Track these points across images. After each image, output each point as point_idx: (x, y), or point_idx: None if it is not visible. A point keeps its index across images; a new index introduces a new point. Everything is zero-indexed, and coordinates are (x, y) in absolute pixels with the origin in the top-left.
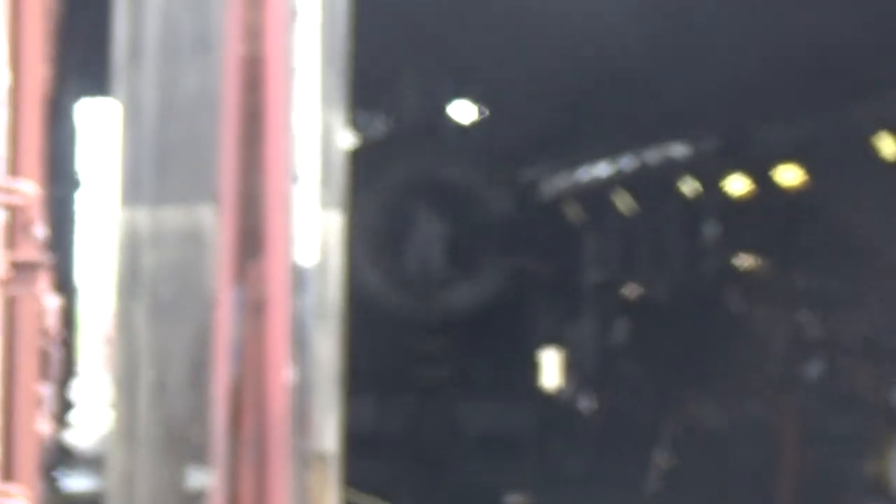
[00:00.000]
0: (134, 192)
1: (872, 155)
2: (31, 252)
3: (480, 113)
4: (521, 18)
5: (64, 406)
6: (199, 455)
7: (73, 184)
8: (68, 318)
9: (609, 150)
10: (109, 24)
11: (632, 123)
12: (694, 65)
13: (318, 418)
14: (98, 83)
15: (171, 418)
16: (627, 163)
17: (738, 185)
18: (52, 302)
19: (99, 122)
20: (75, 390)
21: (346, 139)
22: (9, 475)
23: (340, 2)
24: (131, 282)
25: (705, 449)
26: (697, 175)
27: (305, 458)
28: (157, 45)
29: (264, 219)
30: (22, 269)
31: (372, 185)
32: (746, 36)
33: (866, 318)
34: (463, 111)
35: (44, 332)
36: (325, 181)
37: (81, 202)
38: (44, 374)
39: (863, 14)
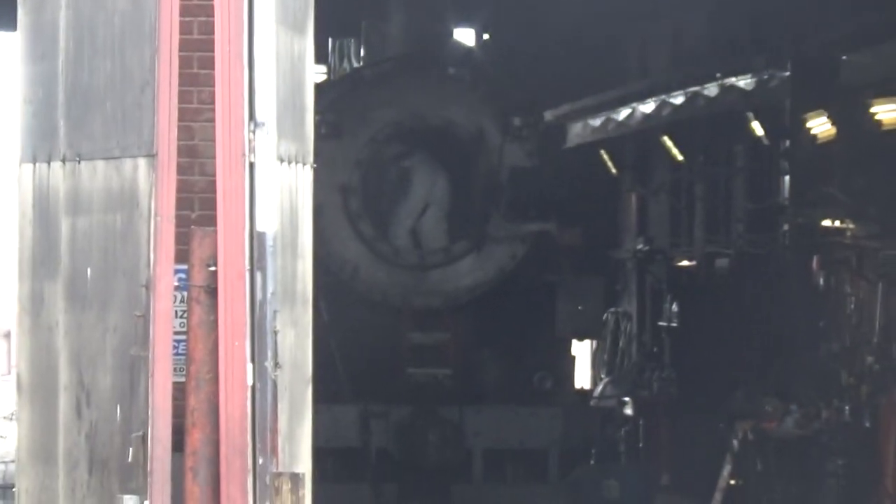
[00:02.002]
0: (45, 144)
1: None
2: None
3: (488, 42)
4: None
5: None
6: (133, 478)
7: None
8: None
9: (653, 87)
10: None
11: (681, 52)
12: None
13: (286, 430)
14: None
15: (97, 432)
16: (678, 101)
17: (818, 125)
18: None
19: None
20: None
21: (318, 73)
22: None
23: None
24: (44, 257)
25: (782, 460)
26: (766, 114)
27: (270, 481)
28: None
29: (214, 177)
30: None
31: (352, 131)
32: None
33: None
34: (467, 40)
35: None
36: (292, 127)
37: None
38: None
39: None
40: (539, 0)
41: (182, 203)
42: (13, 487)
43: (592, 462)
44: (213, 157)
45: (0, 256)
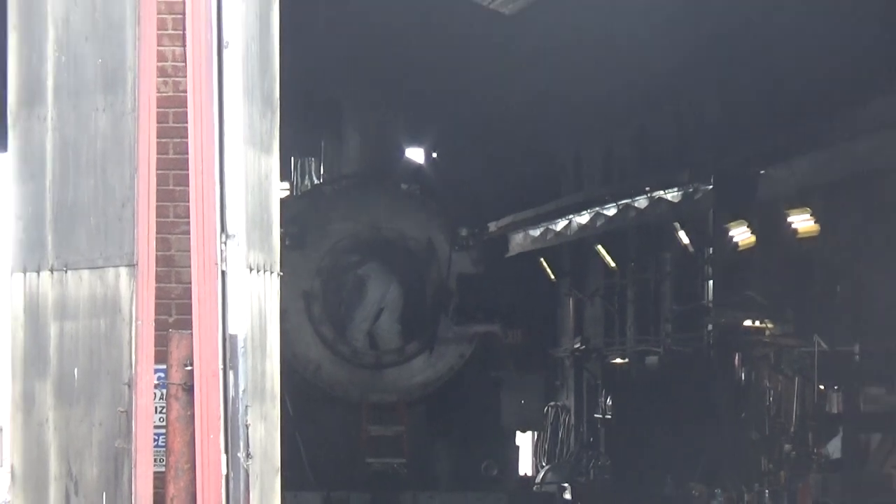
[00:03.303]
0: (34, 255)
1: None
2: None
3: (437, 160)
4: (479, 60)
5: None
6: None
7: None
8: None
9: (590, 199)
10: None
11: (613, 169)
12: (681, 101)
13: None
14: None
15: None
16: (611, 213)
17: (739, 234)
18: None
19: None
20: None
21: (282, 189)
22: None
23: (272, 32)
24: (34, 358)
25: None
26: (692, 224)
27: None
28: (57, 85)
29: (189, 284)
30: None
31: (313, 242)
32: (738, 66)
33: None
34: (417, 158)
35: None
36: (260, 239)
37: None
38: None
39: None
40: (481, 122)
41: (160, 308)
42: None
43: None
44: (189, 266)
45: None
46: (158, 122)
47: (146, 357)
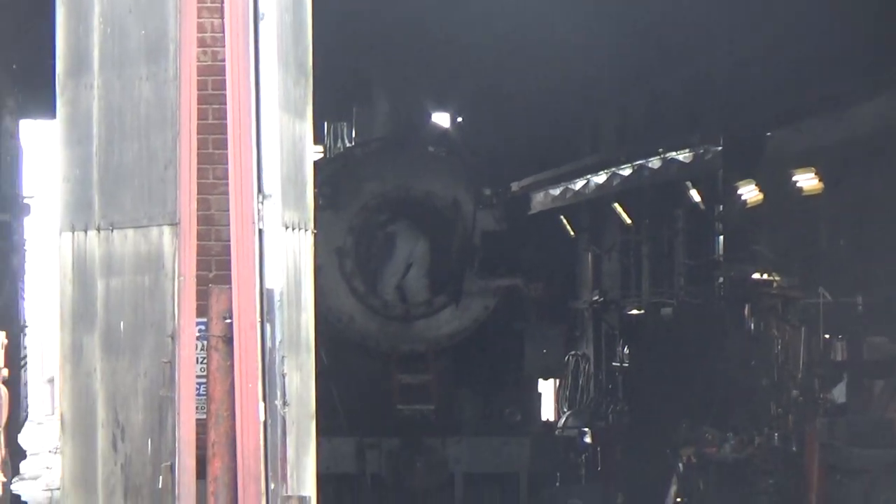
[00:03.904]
0: (82, 215)
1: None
2: None
3: (461, 124)
4: (501, 26)
5: (13, 453)
6: (163, 503)
7: (19, 209)
8: (16, 354)
9: (606, 160)
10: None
11: (628, 131)
12: (692, 66)
13: (294, 459)
14: (45, 100)
15: (131, 463)
16: (626, 173)
17: (747, 192)
18: None
19: (48, 143)
20: (25, 435)
21: (316, 152)
22: None
23: (305, 4)
24: (82, 312)
25: (720, 481)
26: (703, 183)
27: (281, 503)
28: (103, 54)
29: (228, 242)
30: None
31: (345, 202)
32: (747, 31)
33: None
34: (443, 122)
35: None
36: (294, 198)
37: (29, 229)
38: None
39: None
40: (505, 88)
41: (201, 264)
42: None
43: (557, 484)
44: (228, 225)
45: (44, 313)
46: (198, 90)
47: (188, 311)
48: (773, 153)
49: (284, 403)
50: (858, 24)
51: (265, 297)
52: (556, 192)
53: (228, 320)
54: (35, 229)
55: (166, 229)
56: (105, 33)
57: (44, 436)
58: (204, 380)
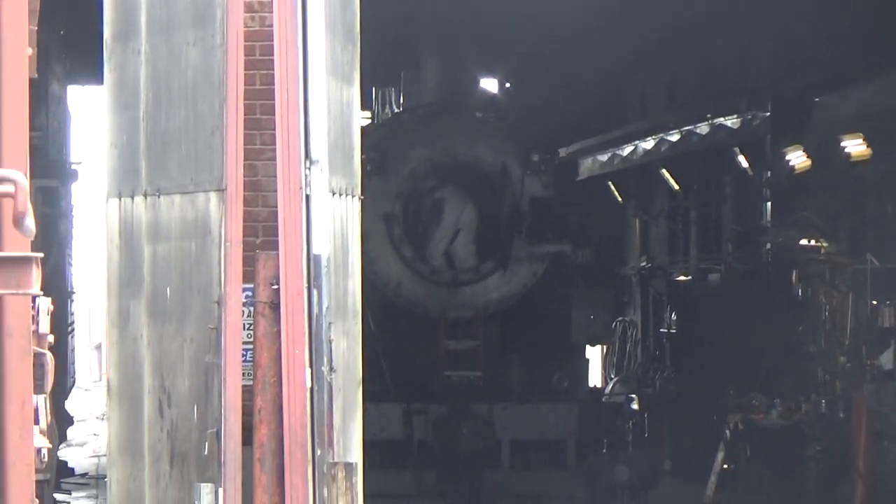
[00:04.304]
0: (129, 181)
1: None
2: (19, 246)
3: (509, 90)
4: None
5: (60, 419)
6: (209, 469)
7: (67, 175)
8: (63, 321)
9: (654, 126)
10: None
11: (676, 97)
12: (741, 31)
13: (340, 425)
14: (93, 66)
15: (177, 429)
16: (674, 139)
17: (795, 158)
18: (44, 303)
19: (95, 109)
20: (72, 401)
21: (364, 118)
22: (2, 496)
23: None
24: (129, 278)
25: (767, 448)
26: (750, 149)
27: (327, 470)
28: (150, 20)
29: (275, 208)
30: (9, 266)
31: (393, 168)
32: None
33: None
34: (491, 88)
35: (35, 337)
36: (342, 164)
37: (77, 195)
38: (36, 383)
39: None
40: (553, 54)
41: (248, 230)
42: (105, 478)
43: (604, 450)
44: (275, 191)
45: (91, 279)
46: (246, 55)
47: (235, 277)
48: (821, 119)
49: (331, 370)
50: None
51: (312, 263)
52: (604, 157)
53: (275, 286)
54: (83, 195)
55: (213, 195)
56: None
57: (91, 402)
58: (250, 346)
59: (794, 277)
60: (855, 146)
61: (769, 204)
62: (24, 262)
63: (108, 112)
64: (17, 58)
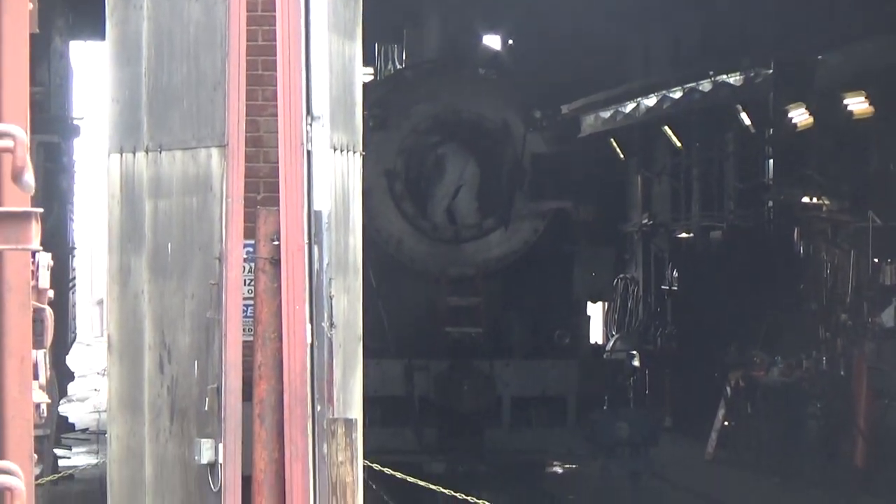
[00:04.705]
0: (130, 137)
1: None
2: (19, 202)
3: (512, 46)
4: None
5: (60, 375)
6: (209, 424)
7: (69, 131)
8: (64, 276)
9: (657, 83)
10: None
11: (679, 55)
12: None
13: (340, 381)
14: (95, 21)
15: (178, 385)
16: (676, 96)
17: (798, 116)
18: (44, 258)
19: (97, 65)
20: (72, 357)
21: (366, 74)
22: (1, 451)
23: None
24: (130, 234)
25: (768, 404)
26: (753, 106)
27: (327, 425)
28: None
29: (276, 164)
30: (8, 221)
31: (396, 124)
32: None
33: None
34: (494, 45)
35: (35, 292)
36: (343, 120)
37: (79, 151)
38: (36, 338)
39: None
40: (556, 11)
41: (249, 186)
42: (105, 433)
43: (605, 407)
44: (276, 147)
45: (93, 235)
46: (248, 11)
47: (236, 232)
48: (823, 77)
49: (331, 325)
50: None
51: (313, 218)
52: (607, 114)
53: (276, 242)
54: (85, 151)
55: (214, 151)
56: None
57: (92, 358)
58: (251, 302)
59: (795, 235)
60: (857, 104)
61: (771, 161)
62: (24, 217)
63: (110, 67)
64: (18, 12)
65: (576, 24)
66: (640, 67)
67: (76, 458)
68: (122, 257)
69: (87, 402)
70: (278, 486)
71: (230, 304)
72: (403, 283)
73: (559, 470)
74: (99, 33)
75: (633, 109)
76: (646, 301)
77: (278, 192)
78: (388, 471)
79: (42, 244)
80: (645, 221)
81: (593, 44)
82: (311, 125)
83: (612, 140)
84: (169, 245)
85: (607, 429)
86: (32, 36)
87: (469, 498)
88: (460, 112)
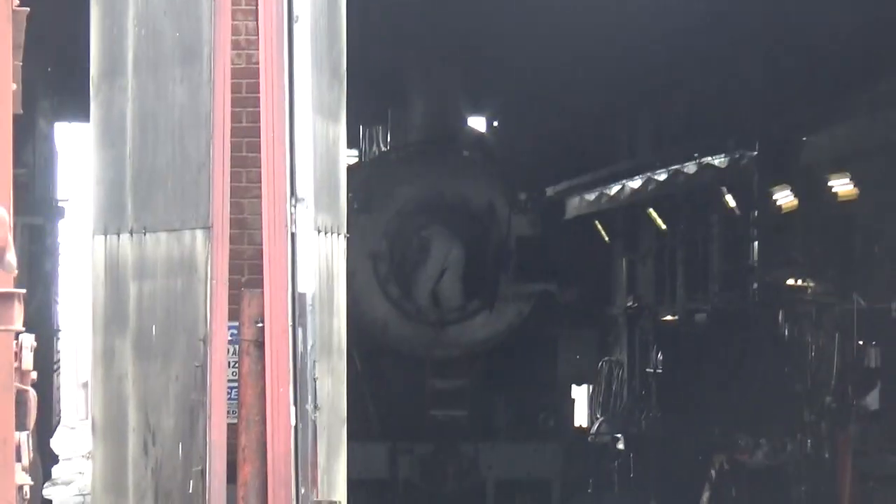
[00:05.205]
0: (115, 218)
1: None
2: (2, 283)
3: (497, 128)
4: (539, 30)
5: (45, 458)
6: None
7: (53, 212)
8: (48, 358)
9: (641, 165)
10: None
11: (664, 136)
12: (726, 72)
13: (325, 464)
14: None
15: (163, 468)
16: (661, 178)
17: (782, 198)
18: (27, 339)
19: (82, 146)
20: (57, 440)
21: (351, 156)
22: None
23: (340, 7)
24: (114, 316)
25: (753, 488)
26: (738, 188)
27: None
28: (137, 57)
29: (261, 245)
30: None
31: (380, 206)
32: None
33: None
34: (479, 127)
35: (18, 373)
36: (327, 202)
37: (64, 232)
38: (19, 419)
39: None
40: (540, 93)
41: (233, 268)
42: None
43: (590, 490)
44: (260, 229)
45: (78, 317)
46: (232, 93)
47: (220, 314)
48: (808, 158)
49: (316, 408)
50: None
51: (297, 301)
52: (592, 197)
53: (260, 324)
54: (69, 233)
55: (199, 233)
56: (139, 35)
57: (77, 440)
58: (235, 384)
59: (780, 317)
60: (842, 185)
61: (756, 243)
62: (6, 297)
63: (94, 149)
64: (2, 93)
65: (561, 107)
66: (625, 149)
67: None
68: (107, 339)
69: (71, 486)
70: None
71: (214, 387)
72: (388, 366)
73: None
74: (84, 115)
75: (618, 192)
76: (630, 384)
77: (262, 273)
78: None
79: (26, 325)
80: (630, 304)
81: (578, 126)
82: (295, 207)
83: (596, 222)
84: (153, 327)
85: None
86: (16, 117)
87: None
88: (445, 194)
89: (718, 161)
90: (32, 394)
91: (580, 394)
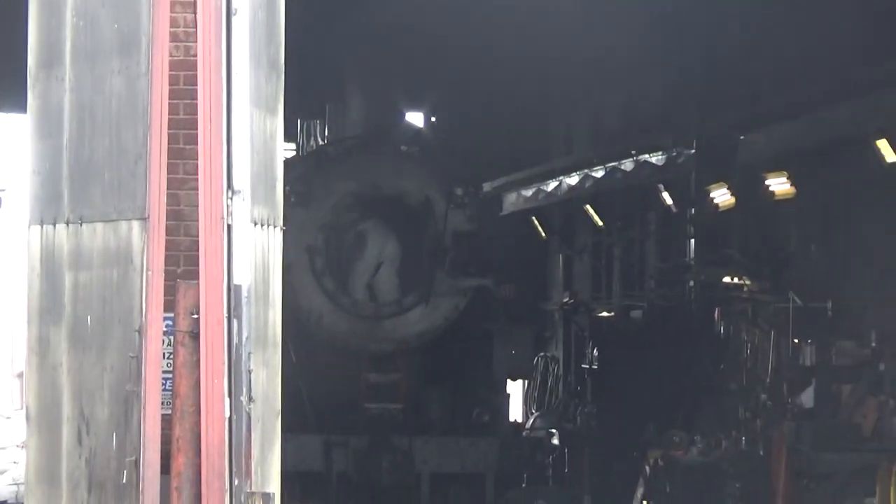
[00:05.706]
0: (51, 209)
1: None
2: None
3: (435, 123)
4: (476, 26)
5: None
6: (127, 497)
7: None
8: None
9: (579, 162)
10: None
11: (601, 133)
12: (667, 68)
13: (259, 456)
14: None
15: (96, 458)
16: (598, 175)
17: (719, 196)
18: None
19: (17, 137)
20: None
21: (288, 149)
22: None
23: (278, 2)
24: (50, 305)
25: (687, 484)
26: (675, 186)
27: (244, 499)
28: (75, 48)
29: (197, 237)
30: None
31: (317, 200)
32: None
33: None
34: (416, 122)
35: None
36: (264, 195)
37: (1, 222)
38: None
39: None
40: (478, 89)
41: (169, 259)
42: None
43: (524, 485)
44: (197, 220)
45: (13, 307)
46: (170, 85)
47: (156, 305)
48: (745, 157)
49: (250, 400)
50: (832, 28)
51: (232, 292)
52: (529, 192)
53: (195, 315)
54: (7, 222)
55: (135, 224)
56: (77, 26)
57: (12, 430)
58: (170, 375)
59: (716, 315)
60: (779, 184)
61: (692, 241)
62: None
63: (31, 139)
64: None
65: (498, 102)
66: (562, 146)
67: None
68: (42, 329)
69: (6, 475)
70: None
71: (149, 377)
72: (323, 359)
73: None
74: (21, 105)
75: (555, 188)
76: (566, 379)
77: (198, 265)
78: None
79: None
80: (566, 300)
81: (516, 122)
82: (231, 199)
83: (533, 218)
84: (89, 317)
85: None
86: None
87: None
88: (382, 188)
89: (656, 159)
90: None
91: (515, 389)
